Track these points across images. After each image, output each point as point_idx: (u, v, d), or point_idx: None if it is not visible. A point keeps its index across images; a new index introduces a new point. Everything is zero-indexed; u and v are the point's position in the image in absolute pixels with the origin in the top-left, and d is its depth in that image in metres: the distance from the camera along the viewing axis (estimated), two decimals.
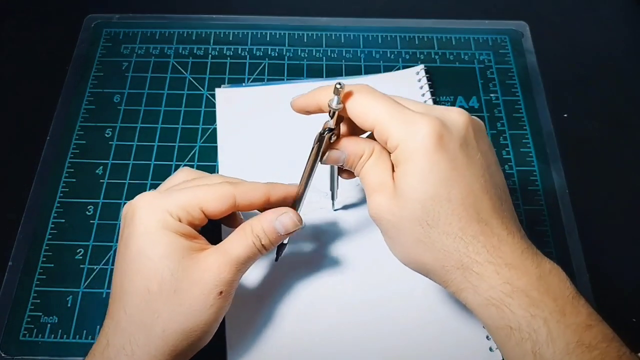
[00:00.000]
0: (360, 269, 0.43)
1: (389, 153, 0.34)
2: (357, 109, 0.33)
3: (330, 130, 0.35)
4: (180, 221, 0.35)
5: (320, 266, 0.43)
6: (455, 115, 0.34)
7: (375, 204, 0.34)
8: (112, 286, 0.35)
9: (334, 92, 0.33)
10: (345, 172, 0.38)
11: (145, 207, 0.35)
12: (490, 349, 0.40)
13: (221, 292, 0.34)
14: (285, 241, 0.40)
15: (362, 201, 0.46)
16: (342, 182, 0.45)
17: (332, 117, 0.35)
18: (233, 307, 0.37)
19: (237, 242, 0.35)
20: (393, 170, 0.34)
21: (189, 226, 0.36)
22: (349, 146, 0.35)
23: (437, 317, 0.41)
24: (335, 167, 0.40)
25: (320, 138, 0.36)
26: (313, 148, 0.36)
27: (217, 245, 0.36)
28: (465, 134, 0.33)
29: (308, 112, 0.36)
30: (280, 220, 0.36)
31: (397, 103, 0.33)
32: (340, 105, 0.34)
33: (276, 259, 0.41)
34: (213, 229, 0.40)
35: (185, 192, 0.36)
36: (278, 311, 0.41)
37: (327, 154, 0.36)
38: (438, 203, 0.31)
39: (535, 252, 0.32)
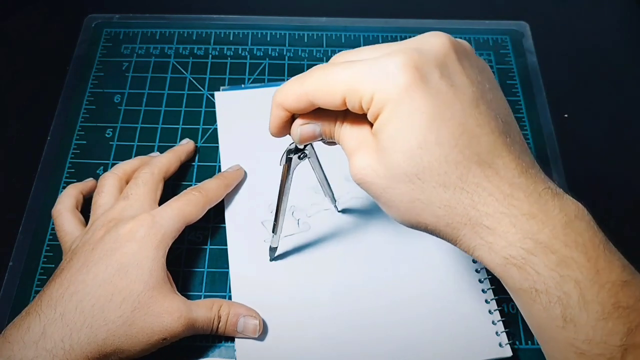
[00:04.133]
0: (367, 269, 0.43)
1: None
2: (320, 95, 0.29)
3: (298, 150, 0.35)
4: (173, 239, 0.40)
5: (326, 267, 0.43)
6: (431, 39, 0.28)
7: (357, 167, 0.29)
8: (70, 278, 0.36)
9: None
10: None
11: (147, 226, 0.38)
12: (500, 345, 0.40)
13: (165, 339, 0.36)
14: (275, 245, 0.41)
15: (367, 201, 0.46)
16: (345, 182, 0.45)
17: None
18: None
19: (202, 309, 0.38)
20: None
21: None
22: (321, 115, 0.31)
23: (445, 313, 0.41)
24: (320, 167, 0.40)
25: (287, 159, 0.35)
26: (282, 168, 0.36)
27: (185, 299, 0.38)
28: (445, 59, 0.27)
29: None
30: (246, 320, 0.39)
31: (354, 62, 0.28)
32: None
33: (270, 259, 0.43)
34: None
35: (174, 213, 0.40)
36: (285, 312, 0.41)
37: (298, 130, 0.31)
38: (426, 151, 0.26)
39: (555, 191, 0.27)
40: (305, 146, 0.35)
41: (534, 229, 0.26)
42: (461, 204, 0.27)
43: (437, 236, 0.29)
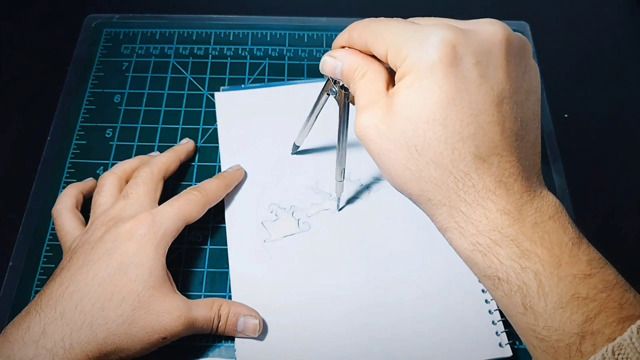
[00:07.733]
0: (367, 269, 0.43)
1: (390, 72, 0.31)
2: (373, 40, 0.31)
3: (335, 82, 0.35)
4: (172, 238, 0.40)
5: (326, 267, 0.43)
6: (487, 26, 0.29)
7: (362, 124, 0.30)
8: (70, 277, 0.36)
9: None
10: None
11: (147, 225, 0.38)
12: (500, 345, 0.40)
13: (165, 338, 0.36)
14: (299, 143, 0.45)
15: (367, 201, 0.46)
16: (345, 183, 0.45)
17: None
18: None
19: (202, 308, 0.38)
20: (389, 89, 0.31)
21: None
22: (346, 57, 0.32)
23: (446, 314, 0.41)
24: (345, 125, 0.39)
25: (328, 80, 0.36)
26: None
27: (186, 299, 0.38)
28: (490, 48, 0.28)
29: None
30: (246, 320, 0.39)
31: (411, 22, 0.30)
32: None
33: (292, 152, 0.47)
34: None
35: (173, 212, 0.40)
36: (285, 312, 0.41)
37: (322, 60, 0.34)
38: (431, 127, 0.27)
39: (538, 193, 0.29)
40: (340, 84, 0.36)
41: (505, 223, 0.28)
42: (446, 186, 0.28)
43: (418, 206, 0.31)
